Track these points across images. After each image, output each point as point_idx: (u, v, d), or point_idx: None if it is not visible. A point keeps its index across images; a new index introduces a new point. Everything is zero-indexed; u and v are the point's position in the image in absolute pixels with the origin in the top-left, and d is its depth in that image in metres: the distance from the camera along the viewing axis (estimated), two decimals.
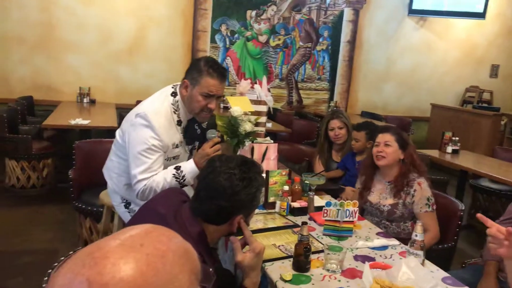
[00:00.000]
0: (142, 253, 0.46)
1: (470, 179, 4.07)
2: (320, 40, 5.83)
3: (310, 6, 5.69)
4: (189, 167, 1.79)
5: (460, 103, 6.52)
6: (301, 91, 5.91)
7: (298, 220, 1.90)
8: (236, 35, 5.45)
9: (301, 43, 5.76)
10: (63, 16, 4.80)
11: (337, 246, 1.52)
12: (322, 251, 1.55)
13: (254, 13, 5.46)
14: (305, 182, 2.13)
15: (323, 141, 3.02)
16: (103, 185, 2.11)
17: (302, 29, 5.72)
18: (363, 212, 2.38)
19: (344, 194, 2.71)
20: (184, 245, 0.51)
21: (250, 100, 2.67)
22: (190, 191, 1.76)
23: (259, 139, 2.69)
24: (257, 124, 2.64)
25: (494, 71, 6.74)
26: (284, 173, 2.12)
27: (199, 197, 1.27)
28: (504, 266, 1.85)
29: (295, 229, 1.80)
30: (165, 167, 1.82)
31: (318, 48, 5.85)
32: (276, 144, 2.65)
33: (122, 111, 4.06)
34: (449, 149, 3.89)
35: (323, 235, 1.79)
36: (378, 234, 1.87)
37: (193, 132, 1.95)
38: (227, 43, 5.44)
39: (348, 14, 5.85)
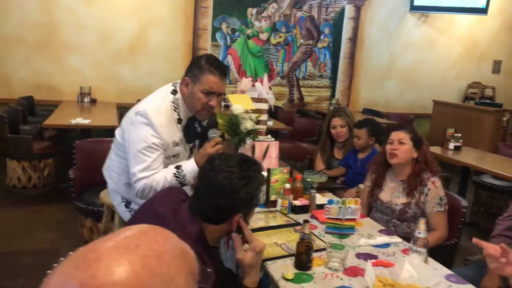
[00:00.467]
0: (137, 254, 0.44)
1: (472, 175, 4.04)
2: (321, 37, 5.81)
3: (311, 3, 5.66)
4: (189, 166, 1.78)
5: (462, 100, 6.49)
6: (302, 89, 5.89)
7: (300, 218, 1.88)
8: (237, 33, 5.44)
9: (302, 41, 5.74)
10: (64, 17, 4.80)
11: (339, 244, 1.50)
12: (324, 249, 1.54)
13: (254, 10, 5.44)
14: (307, 180, 2.12)
15: (325, 139, 3.01)
16: (103, 184, 2.10)
17: (303, 27, 5.70)
18: (371, 210, 2.36)
19: (347, 194, 2.69)
20: (181, 245, 0.50)
21: (251, 98, 2.66)
22: (190, 191, 1.75)
23: (260, 137, 2.68)
24: (258, 122, 2.63)
25: (497, 67, 6.70)
26: (285, 171, 2.11)
27: (198, 196, 1.26)
28: None
29: (297, 227, 1.78)
30: (165, 166, 1.81)
31: (319, 45, 5.83)
32: (277, 142, 2.63)
33: (123, 110, 4.02)
34: (451, 145, 3.87)
35: (325, 233, 1.77)
36: (380, 231, 1.85)
37: (193, 130, 1.94)
38: (228, 41, 5.42)
39: (349, 11, 5.82)
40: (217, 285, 1.46)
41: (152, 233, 0.49)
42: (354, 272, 1.46)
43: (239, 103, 2.47)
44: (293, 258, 1.49)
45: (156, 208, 1.25)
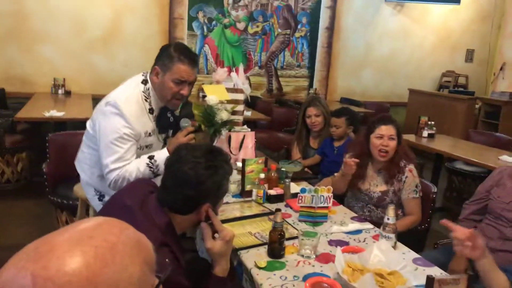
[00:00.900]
0: (90, 245, 0.45)
1: (445, 162, 4.16)
2: (299, 26, 5.81)
3: None
4: (162, 156, 1.78)
5: (437, 88, 6.63)
6: (281, 79, 5.90)
7: (275, 207, 1.91)
8: (213, 22, 5.39)
9: (279, 30, 5.73)
10: (34, 5, 4.65)
11: (311, 232, 1.54)
12: (297, 237, 1.57)
13: None
14: (282, 169, 2.15)
15: (300, 128, 3.04)
16: (78, 177, 2.07)
17: (280, 16, 5.69)
18: (346, 195, 2.39)
19: (323, 182, 2.74)
20: (136, 236, 0.51)
21: (226, 88, 2.66)
22: None
23: (236, 128, 2.69)
24: (234, 113, 2.63)
25: (469, 56, 6.86)
26: (260, 161, 2.13)
27: (165, 187, 1.26)
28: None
29: (270, 217, 1.81)
30: (138, 156, 1.80)
31: (297, 35, 5.83)
32: (253, 132, 2.65)
33: (99, 102, 3.98)
34: (425, 133, 3.96)
35: (299, 221, 1.81)
36: (352, 218, 1.90)
37: (166, 120, 1.93)
38: (205, 30, 5.37)
39: (326, 0, 5.83)
40: (193, 274, 1.48)
41: (106, 225, 0.50)
42: (326, 258, 1.50)
43: (214, 94, 2.47)
44: (266, 246, 1.51)
45: (124, 201, 1.25)
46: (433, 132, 4.01)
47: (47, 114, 3.47)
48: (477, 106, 5.83)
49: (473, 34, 6.77)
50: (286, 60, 5.86)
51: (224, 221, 1.73)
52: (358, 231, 1.76)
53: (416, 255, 1.59)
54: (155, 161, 1.78)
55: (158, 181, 1.47)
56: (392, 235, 1.58)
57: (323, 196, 1.79)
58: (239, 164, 2.24)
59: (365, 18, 6.09)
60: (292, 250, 1.54)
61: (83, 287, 0.42)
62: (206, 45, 5.41)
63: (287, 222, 1.78)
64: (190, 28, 5.29)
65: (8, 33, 4.60)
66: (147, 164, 1.76)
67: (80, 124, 3.68)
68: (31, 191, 3.75)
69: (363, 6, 6.04)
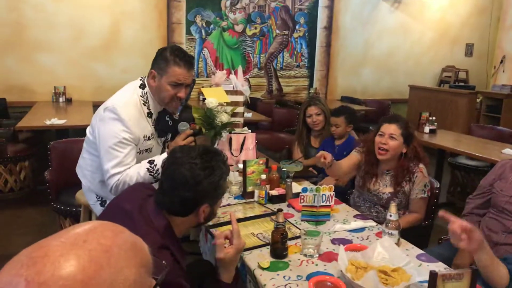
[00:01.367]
0: (84, 249, 0.45)
1: (448, 157, 4.15)
2: (297, 27, 5.82)
3: None
4: (162, 160, 1.78)
5: (437, 83, 6.62)
6: (280, 79, 5.90)
7: (277, 207, 1.90)
8: (211, 26, 5.40)
9: (277, 31, 5.74)
10: (32, 15, 4.68)
11: (314, 231, 1.53)
12: (299, 236, 1.57)
13: (228, 2, 5.41)
14: (283, 169, 2.14)
15: (301, 128, 3.04)
16: (81, 184, 2.08)
17: (278, 17, 5.70)
18: (352, 195, 2.38)
19: (325, 181, 2.74)
20: (131, 239, 0.51)
21: (226, 90, 2.66)
22: None
23: (236, 130, 2.69)
24: (234, 115, 2.64)
25: (469, 50, 6.84)
26: (261, 162, 2.13)
27: (163, 189, 1.27)
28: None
29: (273, 217, 1.81)
30: (138, 160, 1.81)
31: (295, 35, 5.84)
32: (254, 134, 2.65)
33: None
34: (427, 129, 3.95)
35: (301, 220, 1.81)
36: (355, 216, 1.89)
37: (164, 124, 1.94)
38: (203, 34, 5.38)
39: None
40: (196, 277, 1.48)
41: (101, 228, 0.50)
42: (329, 257, 1.49)
43: (213, 97, 2.47)
44: (269, 247, 1.51)
45: (123, 205, 1.25)
46: (434, 127, 3.99)
47: (48, 123, 3.49)
48: (478, 100, 5.81)
49: (472, 28, 6.75)
50: (285, 60, 5.86)
51: (227, 223, 1.73)
52: (361, 229, 1.75)
53: (420, 251, 1.58)
54: (155, 165, 1.78)
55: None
56: (395, 232, 1.58)
57: (325, 195, 1.79)
58: (240, 165, 2.24)
59: (363, 16, 6.09)
60: (295, 249, 1.54)
61: None
62: (205, 49, 5.42)
63: (289, 222, 1.77)
64: (188, 32, 5.30)
65: (7, 43, 4.63)
66: (147, 168, 1.77)
67: (81, 131, 3.68)
68: (34, 199, 3.76)
69: (361, 4, 6.04)
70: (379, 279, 1.24)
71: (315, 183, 2.50)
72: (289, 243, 1.52)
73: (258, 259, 1.46)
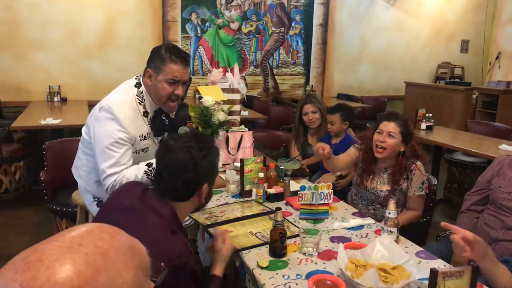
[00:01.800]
0: (80, 253, 0.44)
1: (445, 153, 4.15)
2: (293, 24, 5.80)
3: None
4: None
5: (433, 80, 6.63)
6: (276, 77, 5.89)
7: (275, 206, 1.89)
8: (207, 24, 5.37)
9: (273, 29, 5.72)
10: (27, 13, 4.63)
11: (313, 229, 1.53)
12: (298, 235, 1.56)
13: (224, 0, 5.38)
14: (281, 167, 2.13)
15: (298, 126, 3.03)
16: (77, 184, 2.06)
17: (273, 14, 5.68)
18: (350, 192, 2.37)
19: (324, 178, 2.73)
20: (128, 241, 0.50)
21: (222, 89, 2.65)
22: None
23: (233, 128, 2.68)
24: (231, 113, 2.62)
25: (465, 46, 6.85)
26: (258, 160, 2.12)
27: (162, 178, 1.29)
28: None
29: (271, 215, 1.80)
30: (134, 160, 1.79)
31: (291, 32, 5.82)
32: (251, 132, 2.64)
33: None
34: (423, 125, 3.96)
35: (300, 219, 1.80)
36: (353, 214, 1.89)
37: (161, 122, 1.92)
38: (199, 32, 5.35)
39: None
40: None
41: (97, 230, 0.49)
42: (329, 255, 1.49)
43: (210, 95, 2.46)
44: (268, 246, 1.50)
45: (122, 202, 1.27)
46: (431, 124, 4.00)
47: (43, 122, 3.46)
48: (474, 96, 5.82)
49: (467, 24, 6.76)
50: (281, 58, 5.85)
51: (224, 222, 1.72)
52: (360, 227, 1.75)
53: (419, 248, 1.58)
54: (154, 169, 1.76)
55: None
56: (394, 229, 1.57)
57: (323, 193, 1.78)
58: (238, 164, 2.23)
59: (359, 13, 6.08)
60: (294, 248, 1.53)
61: None
62: (200, 47, 5.39)
63: (288, 220, 1.77)
64: (183, 30, 5.27)
65: (1, 42, 4.58)
66: (145, 171, 1.75)
67: (77, 131, 3.65)
68: (30, 200, 3.73)
69: (356, 1, 6.02)
70: (379, 277, 1.24)
71: (311, 181, 2.49)
72: (288, 241, 1.51)
73: (257, 258, 1.45)
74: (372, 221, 1.81)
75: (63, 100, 4.78)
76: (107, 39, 4.98)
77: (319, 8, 5.85)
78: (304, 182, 2.28)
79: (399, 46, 6.43)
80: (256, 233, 1.64)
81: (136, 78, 1.87)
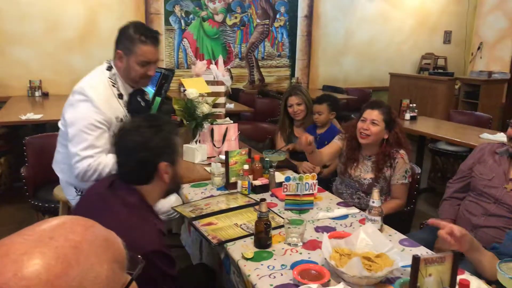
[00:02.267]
0: (50, 246, 0.43)
1: (428, 143, 4.21)
2: (277, 16, 5.77)
3: None
4: None
5: (417, 71, 6.69)
6: (262, 69, 5.86)
7: (260, 197, 1.89)
8: (191, 16, 5.31)
9: (258, 21, 5.68)
10: (4, 6, 4.49)
11: (297, 220, 1.53)
12: (283, 226, 1.56)
13: None
14: (266, 159, 2.13)
15: (283, 118, 3.03)
16: (58, 180, 2.02)
17: (258, 6, 5.64)
18: (335, 182, 2.39)
19: (301, 168, 2.75)
20: (103, 233, 0.49)
21: (206, 81, 2.62)
22: None
23: (218, 121, 2.66)
24: (215, 105, 2.60)
25: (447, 37, 6.93)
26: (243, 152, 2.11)
27: (120, 163, 1.27)
28: (458, 225, 1.94)
29: (256, 207, 1.80)
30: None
31: (276, 24, 5.79)
32: (236, 124, 2.62)
33: None
34: (407, 116, 4.00)
35: (285, 210, 1.80)
36: (338, 204, 1.90)
37: (136, 104, 1.90)
38: (183, 24, 5.28)
39: None
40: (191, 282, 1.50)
41: (69, 223, 0.47)
42: (313, 245, 1.49)
43: (194, 87, 2.44)
44: (253, 237, 1.50)
45: (94, 192, 1.28)
46: (415, 114, 4.04)
47: (23, 118, 3.38)
48: (456, 86, 5.90)
49: (450, 15, 6.83)
50: (266, 50, 5.82)
51: (210, 214, 1.71)
52: (344, 216, 1.76)
53: (403, 236, 1.60)
54: None
55: None
56: (378, 218, 1.59)
57: (308, 183, 1.78)
58: (223, 156, 2.22)
59: (343, 5, 6.08)
60: (279, 239, 1.53)
61: None
62: (184, 39, 5.33)
63: (273, 211, 1.76)
64: (167, 23, 5.20)
65: None
66: None
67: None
68: (12, 196, 3.66)
69: None
70: (363, 266, 1.25)
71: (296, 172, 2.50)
72: (273, 232, 1.51)
73: (242, 249, 1.44)
74: (357, 210, 1.82)
75: (45, 95, 4.68)
76: (88, 33, 4.88)
77: (303, 0, 5.83)
78: (290, 173, 2.29)
79: (383, 37, 6.46)
80: (241, 225, 1.64)
81: (107, 62, 1.86)
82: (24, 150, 2.58)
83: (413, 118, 4.01)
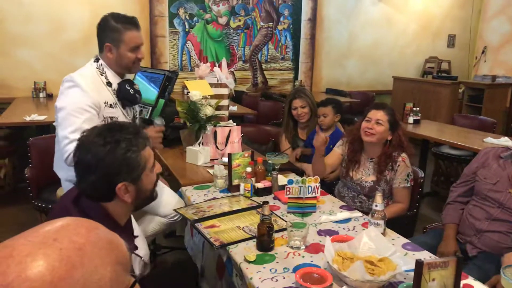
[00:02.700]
0: (54, 248, 0.43)
1: (432, 147, 4.20)
2: (281, 19, 5.78)
3: None
4: None
5: (421, 74, 6.68)
6: (265, 72, 5.87)
7: (263, 200, 1.89)
8: (195, 18, 5.32)
9: (262, 23, 5.69)
10: (8, 7, 4.53)
11: (300, 223, 1.53)
12: (285, 229, 1.56)
13: None
14: (269, 162, 2.13)
15: (287, 121, 3.02)
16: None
17: (262, 9, 5.65)
18: (337, 185, 2.39)
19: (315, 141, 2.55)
20: (107, 236, 0.49)
21: (210, 83, 2.63)
22: None
23: (222, 123, 2.66)
24: (219, 108, 2.61)
25: (451, 41, 6.91)
26: (246, 154, 2.11)
27: (77, 179, 1.16)
28: (462, 229, 1.92)
29: (259, 210, 1.80)
30: None
31: (280, 27, 5.80)
32: (239, 126, 2.63)
33: None
34: (411, 119, 3.98)
35: (287, 213, 1.80)
36: (341, 207, 1.90)
37: (126, 92, 1.93)
38: (187, 27, 5.30)
39: None
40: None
41: (73, 225, 0.47)
42: (316, 249, 1.49)
43: (197, 90, 2.44)
44: (255, 240, 1.50)
45: (63, 203, 1.21)
46: (418, 118, 4.03)
47: (28, 119, 3.40)
48: (460, 90, 5.89)
49: (454, 19, 6.82)
50: (270, 53, 5.83)
51: (212, 217, 1.71)
52: (347, 220, 1.75)
53: (406, 240, 1.59)
54: None
55: None
56: (381, 222, 1.58)
57: (310, 186, 1.78)
58: (226, 159, 2.22)
59: (347, 8, 6.09)
60: (281, 242, 1.53)
61: None
62: (188, 42, 5.35)
63: (275, 214, 1.76)
64: (171, 25, 5.22)
65: None
66: None
67: None
68: (15, 197, 3.67)
69: None
70: (366, 269, 1.24)
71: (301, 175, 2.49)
72: (276, 235, 1.51)
73: (244, 252, 1.44)
74: (359, 214, 1.82)
75: (49, 96, 4.70)
76: (92, 34, 4.80)
77: (307, 3, 5.84)
78: (292, 176, 2.28)
79: (387, 41, 6.46)
80: (243, 228, 1.64)
81: (94, 57, 1.94)
82: (28, 151, 2.59)
83: (416, 122, 4.00)
